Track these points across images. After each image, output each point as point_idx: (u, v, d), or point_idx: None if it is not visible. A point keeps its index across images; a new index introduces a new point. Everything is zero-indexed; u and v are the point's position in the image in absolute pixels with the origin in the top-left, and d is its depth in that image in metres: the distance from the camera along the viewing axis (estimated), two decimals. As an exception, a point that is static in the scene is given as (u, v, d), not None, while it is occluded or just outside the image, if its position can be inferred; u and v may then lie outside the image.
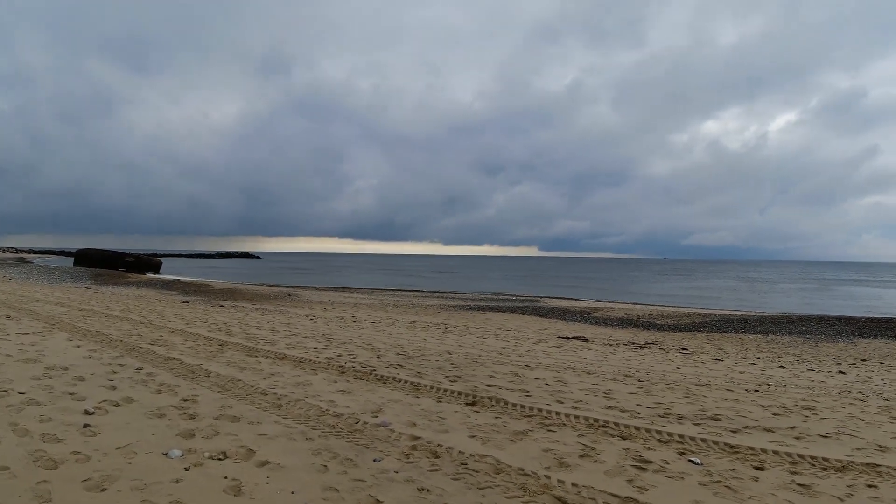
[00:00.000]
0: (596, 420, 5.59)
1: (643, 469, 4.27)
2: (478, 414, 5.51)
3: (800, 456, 4.89)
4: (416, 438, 4.53)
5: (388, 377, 6.99)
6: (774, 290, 52.32)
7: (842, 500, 4.00)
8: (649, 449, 4.80)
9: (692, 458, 4.59)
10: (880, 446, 5.34)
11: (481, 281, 63.26)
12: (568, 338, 14.50)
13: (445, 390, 6.47)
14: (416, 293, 35.84)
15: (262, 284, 39.90)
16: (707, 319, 21.50)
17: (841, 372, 10.81)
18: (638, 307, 27.92)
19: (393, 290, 39.25)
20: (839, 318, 21.44)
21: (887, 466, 4.71)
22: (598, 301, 32.62)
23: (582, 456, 4.45)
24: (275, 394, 5.73)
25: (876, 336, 17.65)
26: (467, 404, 5.93)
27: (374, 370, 7.37)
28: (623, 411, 6.14)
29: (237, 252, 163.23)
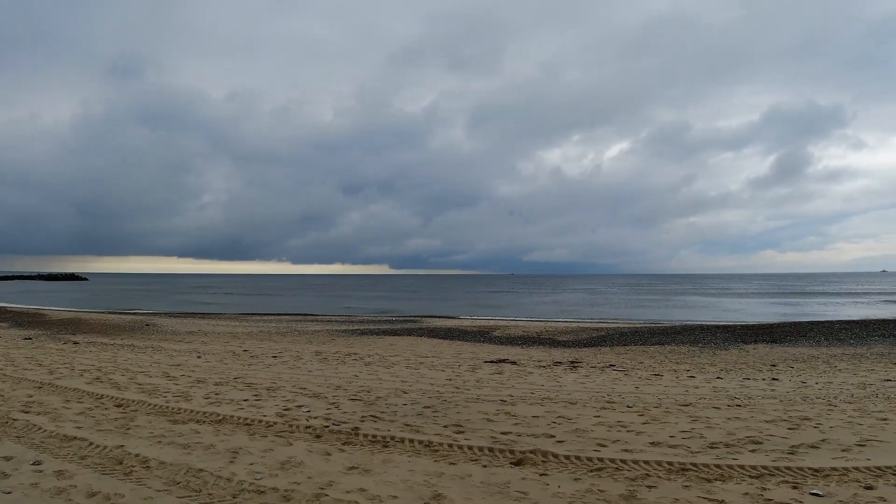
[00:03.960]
0: (670, 463, 4.98)
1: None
2: (548, 477, 4.54)
3: (878, 468, 4.79)
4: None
5: (384, 438, 5.70)
6: (630, 303, 56.74)
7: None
8: (765, 489, 4.41)
9: (813, 491, 4.27)
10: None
11: (347, 300, 61.35)
12: (494, 361, 13.79)
13: (471, 447, 5.40)
14: (289, 317, 33.28)
15: (107, 312, 34.56)
16: (602, 333, 22.16)
17: (774, 379, 11.24)
18: (526, 323, 28.30)
19: (261, 314, 36.07)
20: (718, 327, 23.26)
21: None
22: (483, 318, 32.65)
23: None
24: (275, 490, 4.17)
25: (756, 342, 19.17)
26: (513, 464, 4.91)
27: (358, 429, 5.97)
28: (672, 447, 5.65)
29: (61, 273, 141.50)
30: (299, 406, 7.15)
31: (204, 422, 6.21)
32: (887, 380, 9.79)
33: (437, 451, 5.25)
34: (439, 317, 34.01)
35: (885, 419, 6.44)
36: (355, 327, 24.75)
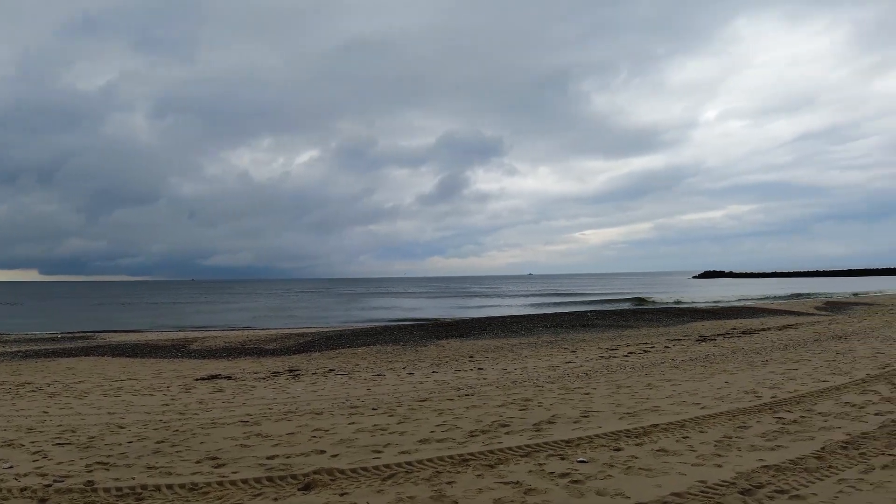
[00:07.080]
0: (451, 457, 5.42)
1: (581, 482, 4.48)
2: (350, 496, 4.48)
3: (613, 433, 5.97)
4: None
5: (133, 489, 4.71)
6: (322, 307, 57.80)
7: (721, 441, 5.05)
8: (542, 464, 5.07)
9: (579, 459, 5.03)
10: (629, 413, 6.85)
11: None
12: (206, 378, 12.64)
13: (245, 482, 4.89)
14: None
15: None
16: (309, 339, 22.13)
17: (480, 368, 12.79)
18: (223, 333, 26.59)
19: None
20: (413, 326, 25.34)
21: (669, 423, 6.05)
22: (172, 330, 29.45)
23: (527, 493, 4.32)
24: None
25: (447, 337, 21.41)
26: (303, 490, 4.62)
27: (93, 483, 4.82)
28: (440, 441, 6.15)
29: None
30: (-17, 464, 5.41)
31: None
32: (568, 362, 12.08)
33: (208, 493, 4.57)
34: (117, 331, 29.46)
35: (587, 394, 7.97)
36: (13, 349, 19.75)
